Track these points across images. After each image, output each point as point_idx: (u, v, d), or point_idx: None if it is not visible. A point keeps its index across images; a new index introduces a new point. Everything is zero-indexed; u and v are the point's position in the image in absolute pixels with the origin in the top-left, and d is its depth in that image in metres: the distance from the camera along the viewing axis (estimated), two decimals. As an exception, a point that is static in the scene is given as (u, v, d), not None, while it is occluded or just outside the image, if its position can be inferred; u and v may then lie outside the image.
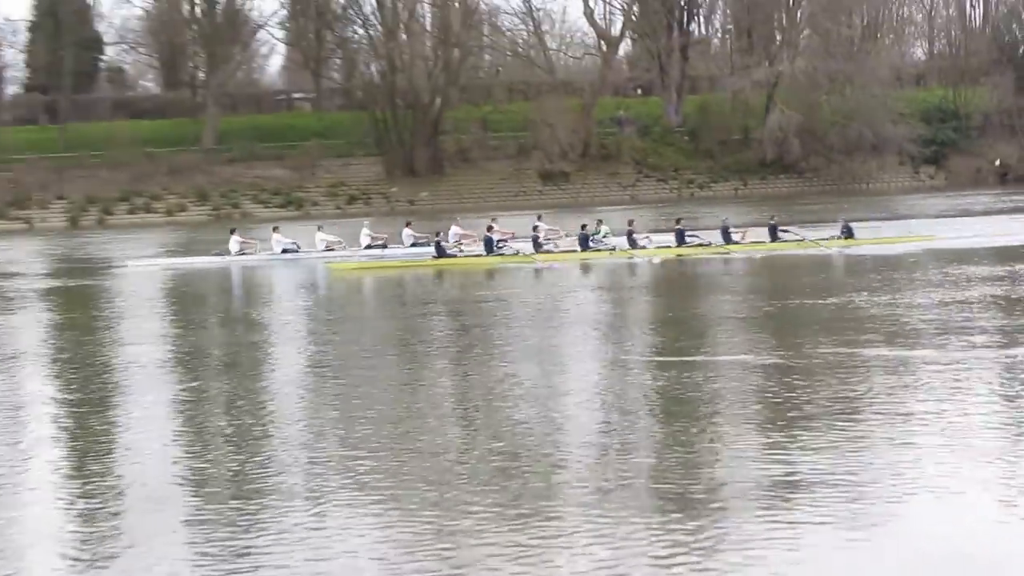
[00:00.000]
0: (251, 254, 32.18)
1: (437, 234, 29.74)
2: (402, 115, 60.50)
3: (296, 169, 59.64)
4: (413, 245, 31.66)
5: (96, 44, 69.95)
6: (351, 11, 64.66)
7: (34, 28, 69.02)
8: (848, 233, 29.24)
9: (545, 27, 68.16)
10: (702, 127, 63.25)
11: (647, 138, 63.34)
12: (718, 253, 27.83)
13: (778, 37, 65.62)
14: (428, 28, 65.84)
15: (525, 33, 66.51)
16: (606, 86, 64.70)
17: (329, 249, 32.07)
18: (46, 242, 46.81)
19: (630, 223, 29.67)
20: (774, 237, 29.14)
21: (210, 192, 57.79)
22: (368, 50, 64.13)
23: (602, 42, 66.97)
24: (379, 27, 62.76)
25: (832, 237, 29.05)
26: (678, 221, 30.46)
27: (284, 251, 32.33)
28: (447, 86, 61.15)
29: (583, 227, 29.60)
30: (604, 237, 30.60)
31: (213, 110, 63.52)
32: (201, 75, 67.42)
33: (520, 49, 65.77)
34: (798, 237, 29.09)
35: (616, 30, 68.15)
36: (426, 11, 66.53)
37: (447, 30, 61.74)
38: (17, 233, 53.90)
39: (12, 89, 72.83)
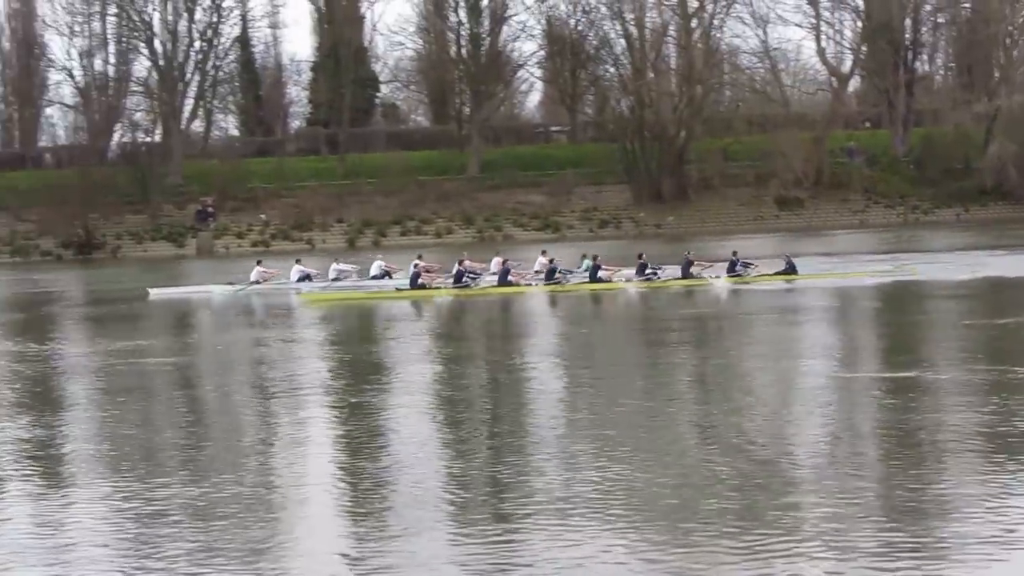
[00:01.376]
0: (265, 282, 43.21)
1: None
2: (650, 146, 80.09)
3: (553, 195, 79.94)
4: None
5: (372, 82, 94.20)
6: (603, 52, 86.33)
7: (317, 68, 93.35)
8: (790, 268, 37.94)
9: (780, 65, 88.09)
10: (926, 157, 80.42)
11: (875, 167, 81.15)
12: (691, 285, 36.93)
13: (996, 74, 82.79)
14: (673, 67, 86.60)
15: (762, 70, 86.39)
16: (837, 119, 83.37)
17: (336, 279, 43.08)
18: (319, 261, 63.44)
19: (640, 256, 39.09)
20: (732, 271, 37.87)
21: (475, 216, 78.14)
22: (619, 87, 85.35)
23: (833, 79, 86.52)
24: (628, 66, 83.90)
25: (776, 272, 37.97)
26: (640, 256, 39.30)
27: (300, 280, 43.60)
28: (691, 120, 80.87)
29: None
30: (586, 271, 39.41)
31: (477, 142, 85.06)
32: (467, 110, 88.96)
33: (758, 85, 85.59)
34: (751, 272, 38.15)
35: (846, 68, 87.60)
36: (672, 52, 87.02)
37: (691, 69, 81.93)
38: (301, 252, 69.48)
39: (297, 123, 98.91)
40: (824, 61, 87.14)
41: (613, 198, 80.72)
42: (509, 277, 38.91)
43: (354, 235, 77.12)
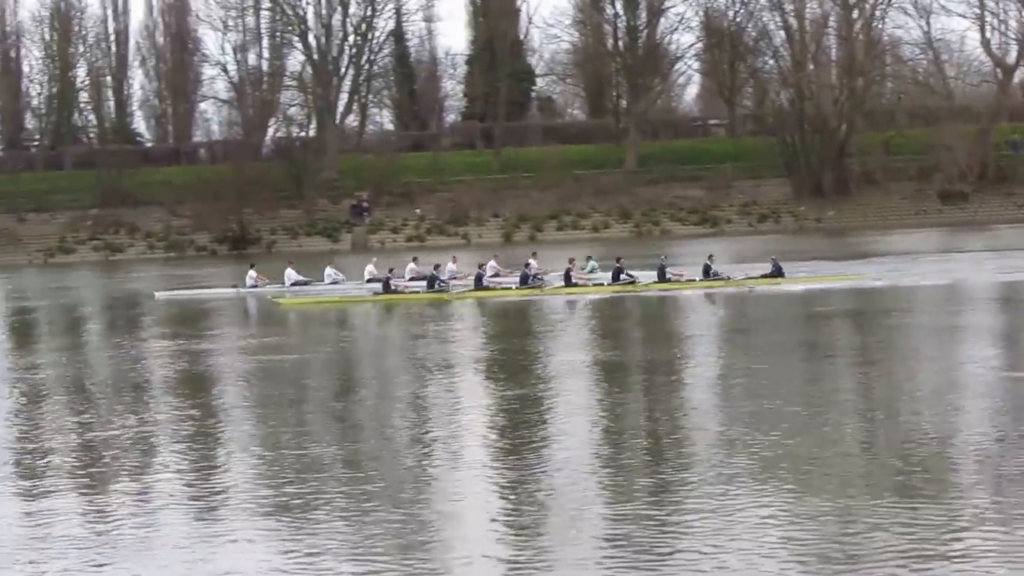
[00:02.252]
0: (261, 287, 47.39)
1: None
2: (810, 140, 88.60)
3: (711, 189, 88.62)
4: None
5: (528, 76, 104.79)
6: (762, 44, 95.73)
7: (472, 62, 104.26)
8: (777, 271, 40.98)
9: (944, 56, 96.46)
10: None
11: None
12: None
13: None
14: (834, 59, 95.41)
15: (925, 62, 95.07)
16: (1003, 111, 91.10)
17: (333, 283, 47.17)
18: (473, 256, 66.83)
19: (618, 260, 42.69)
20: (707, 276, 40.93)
21: (632, 211, 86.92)
22: (778, 79, 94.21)
23: (998, 70, 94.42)
24: (788, 58, 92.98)
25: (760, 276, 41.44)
26: (618, 259, 42.67)
27: (294, 284, 47.44)
28: (852, 112, 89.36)
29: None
30: (591, 272, 44.32)
31: (635, 135, 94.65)
32: (623, 103, 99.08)
33: (920, 77, 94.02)
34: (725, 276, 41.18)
35: (1012, 58, 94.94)
36: (832, 43, 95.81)
37: (852, 61, 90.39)
38: (456, 247, 76.69)
39: (452, 117, 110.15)
40: (989, 52, 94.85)
41: (772, 192, 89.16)
42: (484, 281, 42.85)
43: (510, 230, 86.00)
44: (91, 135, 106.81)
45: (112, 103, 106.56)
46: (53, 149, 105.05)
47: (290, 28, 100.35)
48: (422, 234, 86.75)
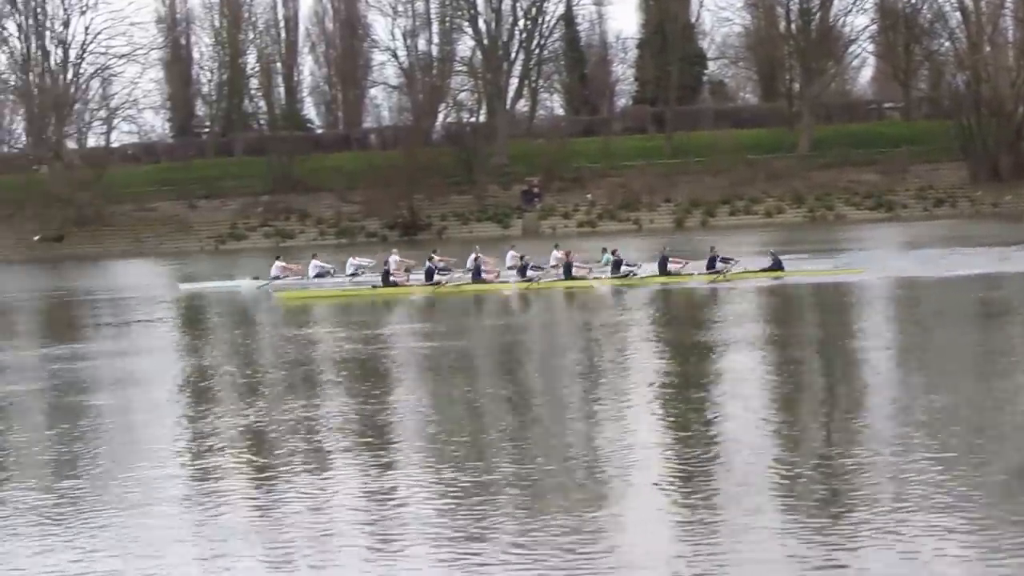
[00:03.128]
0: (286, 278, 51.71)
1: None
2: (986, 123, 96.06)
3: (886, 174, 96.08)
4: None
5: (699, 59, 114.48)
6: (937, 25, 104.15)
7: (642, 45, 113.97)
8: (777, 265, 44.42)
9: None
10: None
11: None
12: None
13: None
14: (1011, 40, 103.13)
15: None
16: None
17: (353, 274, 50.98)
18: (652, 241, 69.56)
19: (613, 252, 46.89)
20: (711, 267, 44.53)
21: (805, 195, 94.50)
22: (954, 62, 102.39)
23: None
24: (964, 40, 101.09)
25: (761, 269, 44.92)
26: (613, 251, 47.43)
27: (317, 275, 51.62)
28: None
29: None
30: (606, 265, 46.92)
31: (808, 119, 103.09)
32: (796, 87, 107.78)
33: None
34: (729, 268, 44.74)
35: None
36: (1009, 24, 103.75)
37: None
38: (627, 233, 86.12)
39: (623, 101, 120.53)
40: None
41: (949, 176, 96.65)
42: (483, 275, 46.86)
43: (682, 215, 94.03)
44: (261, 122, 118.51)
45: (282, 89, 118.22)
46: (224, 136, 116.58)
47: (460, 13, 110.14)
48: (593, 219, 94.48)
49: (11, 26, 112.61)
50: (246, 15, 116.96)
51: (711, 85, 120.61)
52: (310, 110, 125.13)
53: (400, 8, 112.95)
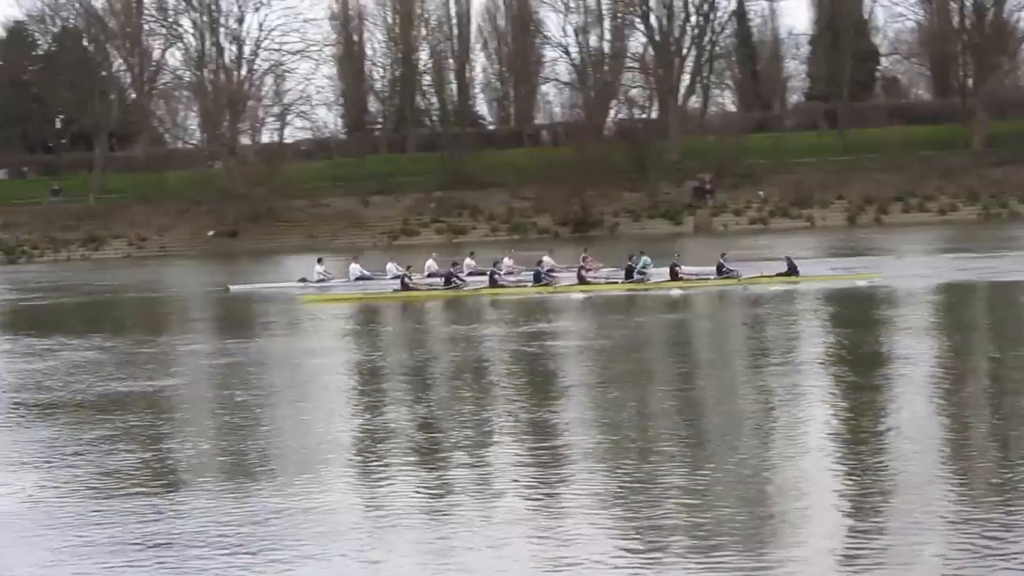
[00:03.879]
0: (328, 281, 54.03)
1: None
2: None
3: None
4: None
5: (872, 55, 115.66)
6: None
7: (815, 41, 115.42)
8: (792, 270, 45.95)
9: None
10: None
11: None
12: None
13: None
14: None
15: None
16: None
17: (395, 278, 51.24)
18: (824, 239, 74.21)
19: (630, 257, 48.98)
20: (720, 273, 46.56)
21: (980, 193, 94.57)
22: None
23: None
24: None
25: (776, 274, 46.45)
26: (630, 257, 49.24)
27: (358, 279, 53.22)
28: None
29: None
30: (644, 268, 48.52)
31: (982, 115, 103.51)
32: (970, 82, 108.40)
33: None
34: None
35: None
36: None
37: None
38: (799, 231, 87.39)
39: (795, 97, 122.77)
40: None
41: None
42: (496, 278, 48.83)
43: (854, 212, 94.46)
44: (433, 118, 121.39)
45: (454, 86, 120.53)
46: (396, 132, 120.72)
47: (631, 9, 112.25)
48: (765, 216, 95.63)
49: (186, 23, 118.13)
50: (418, 11, 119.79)
51: (884, 81, 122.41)
52: (482, 106, 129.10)
53: (572, 4, 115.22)
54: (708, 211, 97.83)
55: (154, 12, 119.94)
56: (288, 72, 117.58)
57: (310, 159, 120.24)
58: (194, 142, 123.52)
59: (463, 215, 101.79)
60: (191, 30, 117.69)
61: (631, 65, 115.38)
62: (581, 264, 50.66)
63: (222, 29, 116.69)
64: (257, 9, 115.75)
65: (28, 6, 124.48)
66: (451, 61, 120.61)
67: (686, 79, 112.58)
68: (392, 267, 54.44)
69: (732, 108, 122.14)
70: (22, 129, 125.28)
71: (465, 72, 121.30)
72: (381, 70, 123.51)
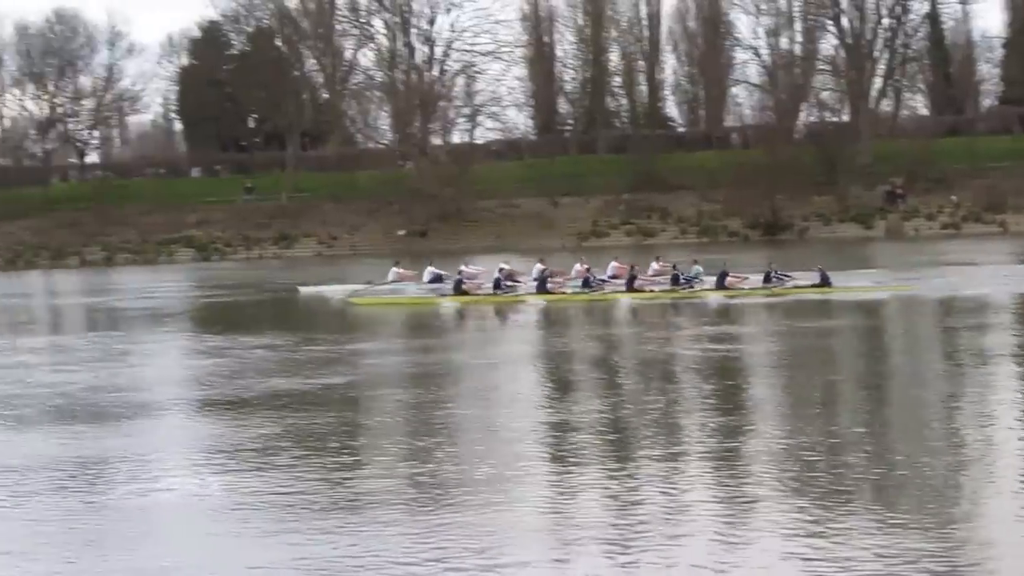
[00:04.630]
0: (402, 281, 55.99)
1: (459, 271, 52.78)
2: None
3: None
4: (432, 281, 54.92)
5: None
6: None
7: (1009, 44, 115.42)
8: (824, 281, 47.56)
9: None
10: None
11: None
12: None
13: None
14: None
15: None
16: None
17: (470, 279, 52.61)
18: (1017, 244, 74.39)
19: (673, 267, 51.14)
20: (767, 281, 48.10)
21: None
22: None
23: None
24: None
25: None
26: (674, 266, 51.95)
27: (431, 281, 55.08)
28: None
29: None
30: (695, 277, 50.23)
31: None
32: None
33: None
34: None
35: None
36: None
37: None
38: (991, 236, 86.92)
39: (988, 101, 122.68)
40: None
41: None
42: (548, 285, 50.14)
43: None
44: (623, 119, 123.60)
45: (644, 87, 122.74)
46: (586, 133, 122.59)
47: (823, 11, 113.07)
48: (957, 221, 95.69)
49: (378, 23, 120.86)
50: (609, 13, 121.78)
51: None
52: (671, 108, 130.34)
53: (763, 6, 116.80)
54: (899, 215, 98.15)
55: (347, 13, 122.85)
56: (479, 73, 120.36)
57: (500, 160, 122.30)
58: (385, 142, 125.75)
59: (651, 217, 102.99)
60: (383, 31, 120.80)
61: (822, 68, 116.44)
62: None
63: (413, 30, 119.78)
64: (448, 10, 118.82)
65: (223, 7, 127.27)
66: (641, 63, 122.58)
67: (878, 82, 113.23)
68: (463, 268, 56.36)
69: (924, 111, 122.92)
70: (216, 128, 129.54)
71: (655, 74, 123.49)
72: (571, 71, 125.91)
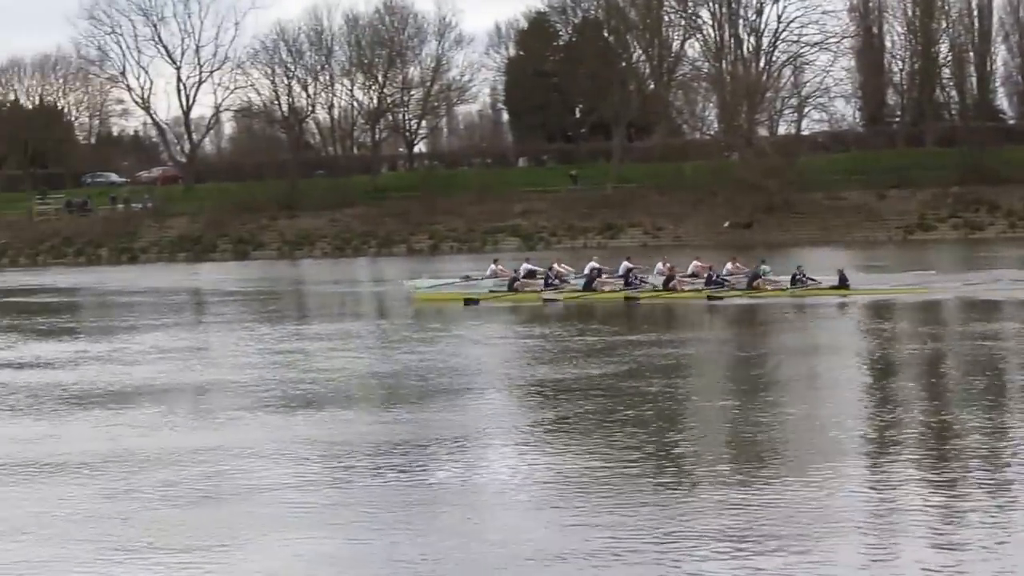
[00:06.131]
0: (499, 276, 57.09)
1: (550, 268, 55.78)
2: None
3: None
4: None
5: None
6: None
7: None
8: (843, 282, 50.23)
9: None
10: None
11: None
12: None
13: None
14: None
15: None
16: None
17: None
18: None
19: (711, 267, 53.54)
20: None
21: None
22: None
23: None
24: None
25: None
26: (710, 267, 54.34)
27: (526, 276, 56.10)
28: None
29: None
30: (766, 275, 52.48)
31: None
32: None
33: None
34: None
35: None
36: None
37: None
38: None
39: None
40: None
41: None
42: (594, 284, 52.94)
43: None
44: (953, 112, 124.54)
45: (974, 79, 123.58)
46: (914, 125, 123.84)
47: None
48: None
49: (705, 15, 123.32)
50: (939, 3, 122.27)
51: None
52: (1002, 100, 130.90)
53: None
54: None
55: (674, 4, 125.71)
56: (806, 64, 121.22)
57: (826, 151, 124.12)
58: (711, 133, 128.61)
59: (980, 211, 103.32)
60: (710, 22, 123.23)
61: None
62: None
63: (741, 21, 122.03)
64: (776, 1, 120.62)
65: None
66: (971, 54, 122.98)
67: None
68: (526, 266, 59.22)
69: None
70: (542, 118, 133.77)
71: (986, 65, 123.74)
72: (900, 63, 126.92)
